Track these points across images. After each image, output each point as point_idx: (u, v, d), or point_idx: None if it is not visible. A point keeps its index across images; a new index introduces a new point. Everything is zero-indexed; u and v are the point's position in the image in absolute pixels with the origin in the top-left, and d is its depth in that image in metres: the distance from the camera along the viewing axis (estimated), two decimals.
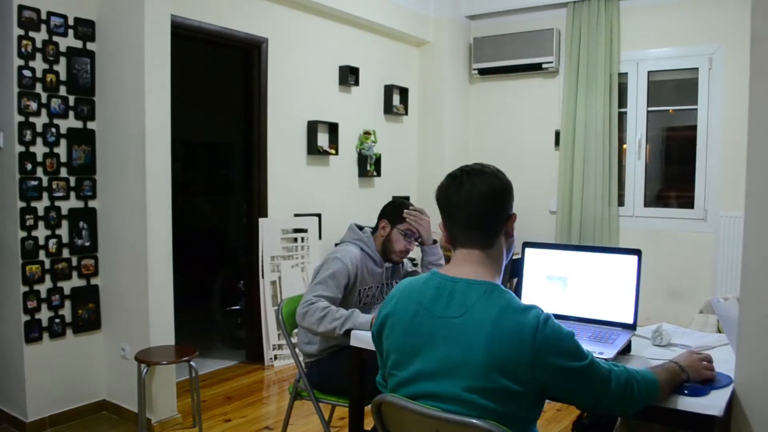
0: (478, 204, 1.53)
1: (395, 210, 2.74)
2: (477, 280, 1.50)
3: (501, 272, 1.57)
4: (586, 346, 1.47)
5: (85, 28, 3.43)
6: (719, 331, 2.49)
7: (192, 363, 3.23)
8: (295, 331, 2.75)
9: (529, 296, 2.25)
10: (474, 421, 1.38)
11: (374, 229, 2.79)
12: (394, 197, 5.62)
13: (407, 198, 5.76)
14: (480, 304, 1.45)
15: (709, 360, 1.76)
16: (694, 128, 4.98)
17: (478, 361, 1.39)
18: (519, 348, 1.38)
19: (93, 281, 3.55)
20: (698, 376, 1.69)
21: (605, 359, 1.77)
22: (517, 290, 2.29)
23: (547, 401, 1.53)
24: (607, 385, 1.46)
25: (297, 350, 2.74)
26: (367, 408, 2.29)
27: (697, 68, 4.96)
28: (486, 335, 1.40)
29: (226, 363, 4.55)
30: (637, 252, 2.16)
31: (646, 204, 5.40)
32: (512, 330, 1.39)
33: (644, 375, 1.54)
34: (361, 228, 2.79)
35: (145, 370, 3.19)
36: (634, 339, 2.10)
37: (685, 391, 1.65)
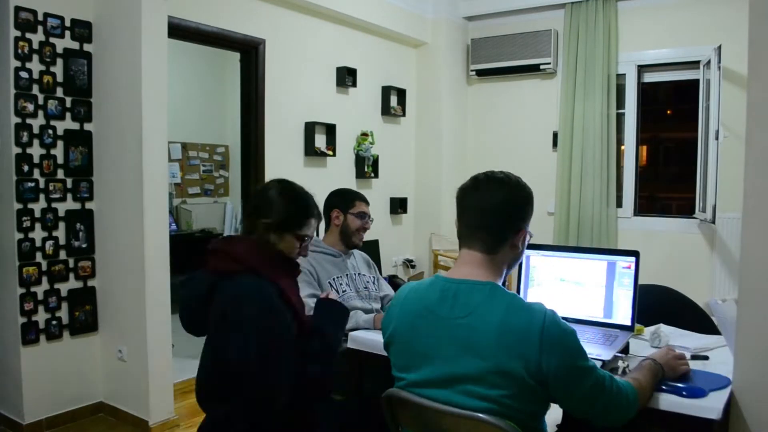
0: (488, 210, 1.54)
1: (341, 197, 2.86)
2: (479, 281, 1.51)
3: (501, 278, 1.58)
4: (585, 347, 1.47)
5: (82, 30, 3.42)
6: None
7: None
8: None
9: (526, 298, 2.25)
10: (480, 415, 1.40)
11: (327, 225, 2.85)
12: (391, 198, 5.63)
13: (404, 200, 5.76)
14: (485, 303, 1.47)
15: (683, 357, 1.80)
16: (692, 129, 4.98)
17: (488, 358, 1.41)
18: (527, 344, 1.39)
19: (90, 283, 3.54)
20: (674, 373, 1.72)
21: (602, 360, 1.77)
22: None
23: None
24: (602, 389, 1.46)
25: None
26: None
27: (695, 69, 4.97)
28: (494, 333, 1.41)
29: None
30: (635, 253, 2.16)
31: (644, 205, 5.41)
32: (519, 327, 1.41)
33: (626, 386, 1.53)
34: None
35: None
36: (632, 340, 2.10)
37: (683, 393, 1.65)
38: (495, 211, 1.54)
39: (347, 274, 2.78)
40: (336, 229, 2.81)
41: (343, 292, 2.69)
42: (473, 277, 1.52)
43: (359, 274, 2.84)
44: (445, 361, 1.46)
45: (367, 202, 2.89)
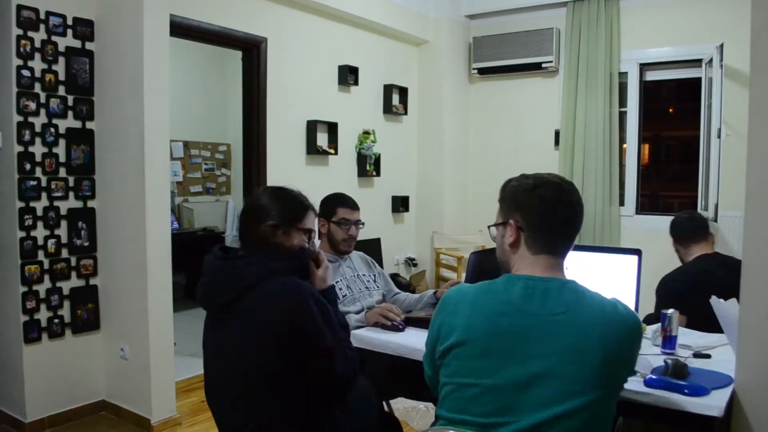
0: (580, 217, 1.56)
1: (325, 205, 2.82)
2: (564, 278, 1.51)
3: None
4: None
5: (84, 28, 3.43)
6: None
7: None
8: None
9: None
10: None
11: (320, 233, 2.84)
12: (393, 197, 5.63)
13: (406, 198, 5.75)
14: (579, 301, 1.44)
15: None
16: (694, 127, 4.97)
17: (598, 354, 1.37)
18: (627, 342, 1.42)
19: (92, 281, 3.55)
20: None
21: None
22: None
23: None
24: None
25: None
26: None
27: (697, 67, 4.96)
28: (601, 330, 1.39)
29: None
30: (637, 252, 2.16)
31: (646, 203, 5.40)
32: (622, 325, 1.42)
33: None
34: None
35: None
36: None
37: (686, 391, 1.65)
38: (581, 221, 1.57)
39: (345, 277, 2.78)
40: (324, 238, 2.81)
41: (344, 296, 2.69)
42: (555, 277, 1.51)
43: (358, 275, 2.84)
44: (540, 359, 1.38)
45: (351, 207, 2.82)
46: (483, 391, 1.41)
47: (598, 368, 1.36)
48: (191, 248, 6.09)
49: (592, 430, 1.38)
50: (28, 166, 3.22)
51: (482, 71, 5.88)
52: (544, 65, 5.52)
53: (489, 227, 1.65)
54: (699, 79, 4.90)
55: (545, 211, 1.51)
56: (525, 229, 1.53)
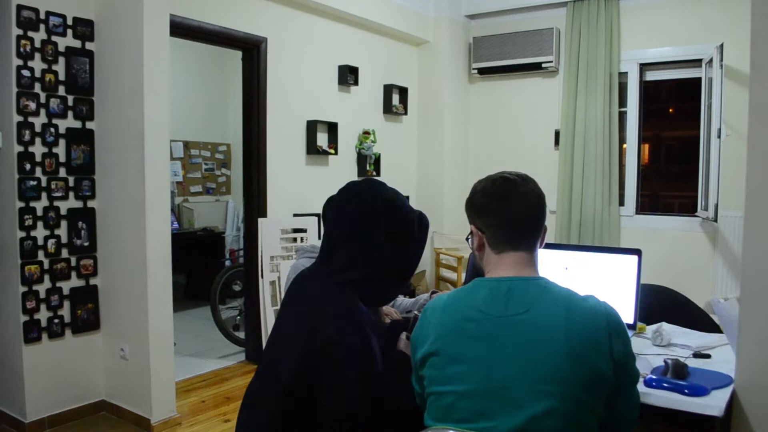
0: (535, 206, 1.53)
1: None
2: (531, 276, 1.48)
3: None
4: None
5: (84, 28, 3.43)
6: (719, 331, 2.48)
7: None
8: None
9: None
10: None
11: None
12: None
13: (407, 198, 5.75)
14: (542, 296, 1.41)
15: None
16: (694, 127, 4.97)
17: (560, 350, 1.33)
18: (596, 331, 1.36)
19: (92, 281, 3.55)
20: None
21: None
22: None
23: None
24: (637, 379, 1.47)
25: None
26: None
27: (697, 67, 4.96)
28: (563, 324, 1.35)
29: (226, 363, 4.54)
30: (637, 252, 2.16)
31: (646, 203, 5.41)
32: (587, 316, 1.38)
33: None
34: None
35: None
36: (635, 339, 2.10)
37: (686, 391, 1.65)
38: (539, 210, 1.53)
39: None
40: None
41: None
42: (523, 275, 1.48)
43: None
44: (504, 362, 1.36)
45: None
46: (458, 398, 1.39)
47: (564, 365, 1.32)
48: (191, 248, 6.12)
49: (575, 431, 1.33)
50: (28, 166, 3.22)
51: (482, 71, 5.88)
52: (544, 65, 5.52)
53: (467, 239, 1.62)
54: (699, 79, 4.90)
55: (495, 206, 1.51)
56: (484, 230, 1.53)
